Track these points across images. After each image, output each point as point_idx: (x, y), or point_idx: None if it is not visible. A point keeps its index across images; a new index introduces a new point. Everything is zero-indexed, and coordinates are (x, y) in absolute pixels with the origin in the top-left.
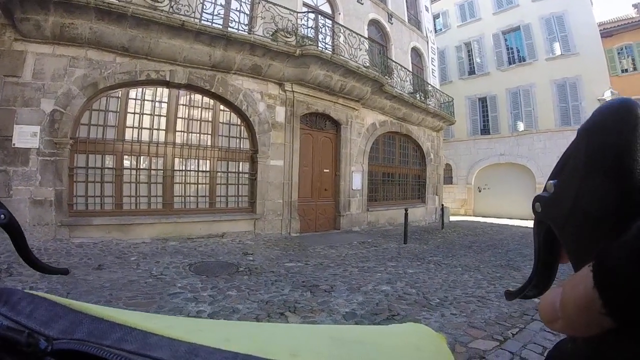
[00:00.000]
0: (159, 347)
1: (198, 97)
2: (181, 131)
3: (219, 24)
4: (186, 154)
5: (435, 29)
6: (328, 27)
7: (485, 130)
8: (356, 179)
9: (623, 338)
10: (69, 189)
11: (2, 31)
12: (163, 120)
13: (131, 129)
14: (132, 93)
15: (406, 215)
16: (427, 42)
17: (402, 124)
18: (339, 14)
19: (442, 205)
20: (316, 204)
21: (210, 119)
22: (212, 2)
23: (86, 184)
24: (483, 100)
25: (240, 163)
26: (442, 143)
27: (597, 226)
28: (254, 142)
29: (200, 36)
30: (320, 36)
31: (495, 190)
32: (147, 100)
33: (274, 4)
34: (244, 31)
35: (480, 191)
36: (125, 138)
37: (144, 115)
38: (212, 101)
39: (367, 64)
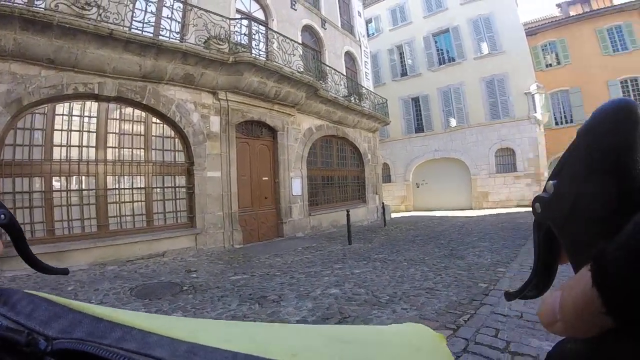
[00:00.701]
0: (159, 347)
1: (129, 109)
2: (113, 147)
3: (149, 33)
4: (119, 171)
5: (368, 33)
6: (262, 33)
7: (419, 129)
8: (296, 185)
9: (623, 338)
10: None
11: None
12: (93, 136)
13: (59, 147)
14: (59, 109)
15: (348, 216)
16: (360, 46)
17: (339, 127)
18: (273, 20)
19: (383, 203)
20: (257, 213)
21: (142, 133)
22: (142, 10)
23: (14, 210)
24: (416, 100)
25: (177, 177)
26: (379, 143)
27: (596, 226)
28: (189, 154)
29: (129, 45)
30: (254, 43)
31: (433, 185)
32: (75, 116)
33: (206, 11)
34: (176, 39)
35: (418, 187)
36: (54, 157)
37: (73, 132)
38: (144, 114)
39: (302, 69)
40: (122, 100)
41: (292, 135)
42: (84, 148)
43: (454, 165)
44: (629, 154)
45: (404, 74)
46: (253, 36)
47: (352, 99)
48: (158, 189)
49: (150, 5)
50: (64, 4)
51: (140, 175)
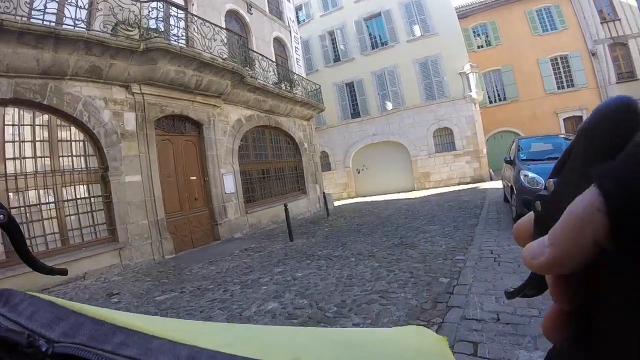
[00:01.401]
0: (161, 352)
1: (29, 112)
2: (12, 158)
3: (52, 22)
4: (22, 186)
5: (298, 19)
6: (180, 18)
7: (355, 114)
8: (228, 182)
9: (623, 338)
10: None
11: None
12: None
13: None
14: None
15: (286, 210)
16: (290, 32)
17: (270, 116)
18: (192, 4)
19: (324, 192)
20: (188, 217)
21: (47, 139)
22: None
23: None
24: (350, 85)
25: (91, 185)
26: (315, 131)
27: None
28: (102, 159)
29: (24, 37)
30: (172, 29)
31: (374, 169)
32: None
33: None
34: (83, 28)
35: (359, 172)
36: None
37: None
38: (46, 116)
39: (225, 56)
40: (19, 102)
41: (219, 128)
42: None
43: (393, 148)
44: None
45: (337, 59)
46: (169, 21)
47: (283, 86)
48: (70, 202)
49: None
50: None
51: (48, 188)
